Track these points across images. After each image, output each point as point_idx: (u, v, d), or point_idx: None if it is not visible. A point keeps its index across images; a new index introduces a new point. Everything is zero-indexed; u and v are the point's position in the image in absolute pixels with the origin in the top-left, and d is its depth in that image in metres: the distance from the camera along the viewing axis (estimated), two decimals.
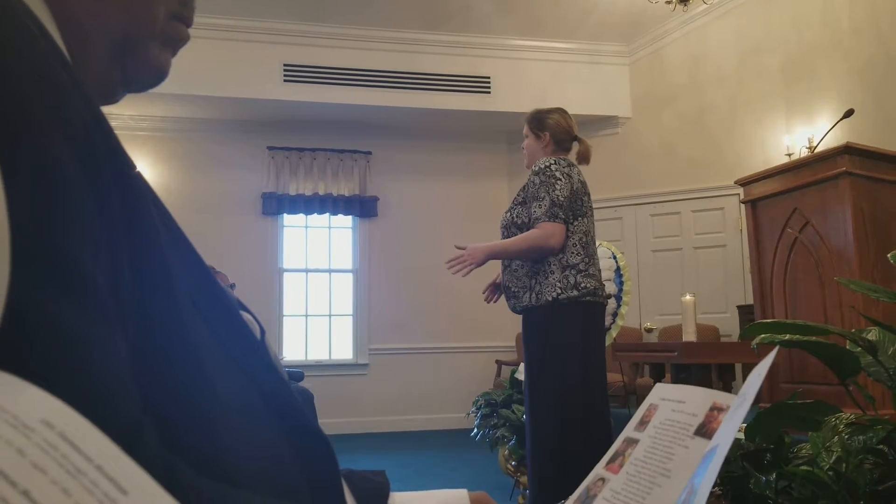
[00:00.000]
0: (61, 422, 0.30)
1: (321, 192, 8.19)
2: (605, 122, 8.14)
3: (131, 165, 0.50)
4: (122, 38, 0.59)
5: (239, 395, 0.52)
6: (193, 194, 7.82)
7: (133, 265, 0.46)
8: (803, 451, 2.11)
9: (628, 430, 0.88)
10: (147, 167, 7.75)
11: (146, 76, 0.64)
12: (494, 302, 3.38)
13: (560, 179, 3.04)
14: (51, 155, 0.40)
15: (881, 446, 1.66)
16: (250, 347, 0.55)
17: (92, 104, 0.47)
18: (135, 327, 0.45)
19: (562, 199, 3.01)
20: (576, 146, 3.32)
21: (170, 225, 0.54)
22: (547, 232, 3.00)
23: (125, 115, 7.60)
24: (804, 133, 6.62)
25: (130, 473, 0.31)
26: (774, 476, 2.03)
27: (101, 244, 0.43)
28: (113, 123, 0.48)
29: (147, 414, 0.42)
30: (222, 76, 7.21)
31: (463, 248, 3.17)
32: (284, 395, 0.56)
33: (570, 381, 2.98)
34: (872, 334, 1.73)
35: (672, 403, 0.85)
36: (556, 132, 3.25)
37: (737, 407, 0.73)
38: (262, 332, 0.68)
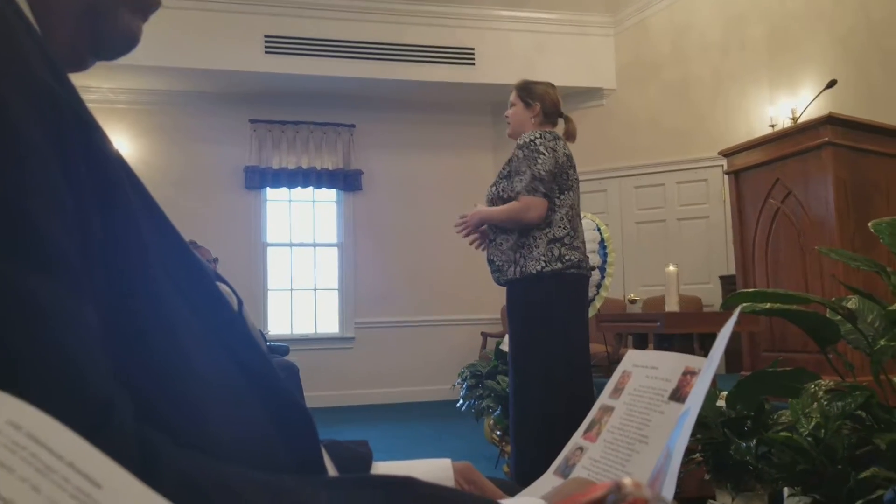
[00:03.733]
0: (28, 422, 0.30)
1: (304, 166, 8.14)
2: (589, 94, 8.12)
3: (102, 135, 0.49)
4: (89, 3, 0.58)
5: (216, 367, 0.51)
6: (174, 168, 7.75)
7: (105, 237, 0.45)
8: (783, 417, 2.14)
9: (603, 398, 0.88)
10: (127, 141, 7.67)
11: (116, 43, 0.62)
12: (482, 249, 3.35)
13: (543, 154, 3.04)
14: (9, 120, 0.39)
15: (859, 412, 1.68)
16: (228, 319, 0.54)
17: (58, 71, 0.46)
18: (107, 300, 0.44)
19: (543, 173, 3.01)
20: (562, 124, 3.32)
21: (143, 196, 0.53)
22: (525, 205, 3.01)
23: (104, 88, 7.49)
24: (787, 104, 6.62)
25: (104, 467, 0.31)
26: (755, 442, 2.06)
27: (69, 215, 0.42)
28: (91, 96, 0.47)
29: (122, 388, 0.41)
30: (202, 48, 7.11)
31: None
32: (263, 366, 0.55)
33: (554, 352, 3.00)
34: (852, 303, 1.75)
35: (645, 370, 0.85)
36: (546, 104, 3.25)
37: (705, 369, 0.73)
38: (240, 303, 0.68)
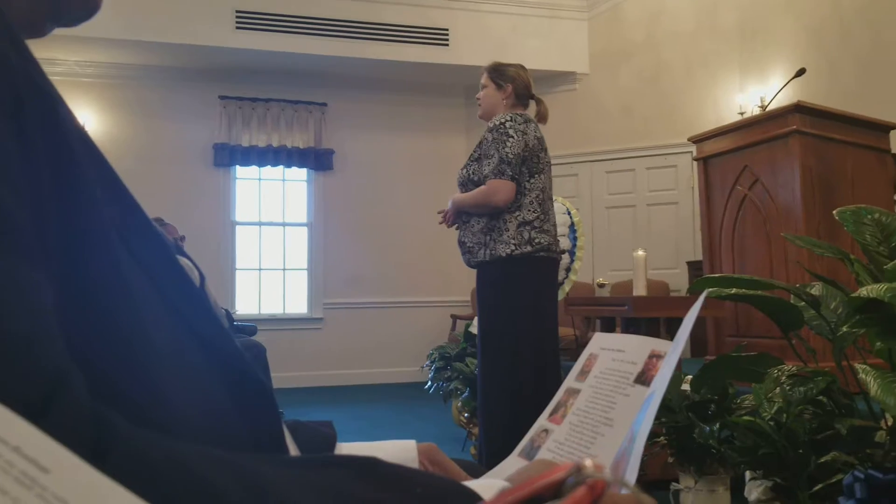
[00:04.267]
0: None
1: (275, 144, 8.06)
2: (562, 78, 8.12)
3: (62, 106, 0.48)
4: None
5: (175, 341, 0.50)
6: (142, 144, 7.64)
7: (60, 208, 0.44)
8: (746, 402, 2.17)
9: (569, 381, 0.88)
10: (93, 115, 7.54)
11: (77, 8, 0.60)
12: (453, 227, 3.34)
13: (512, 137, 3.03)
14: None
15: (821, 397, 1.71)
16: (188, 293, 0.53)
17: (14, 37, 0.44)
18: (62, 270, 0.43)
19: (511, 156, 3.01)
20: (534, 106, 3.32)
21: (103, 168, 0.52)
22: (493, 188, 3.02)
23: (70, 61, 7.34)
24: (757, 92, 6.69)
25: (52, 452, 0.30)
26: (718, 426, 2.09)
27: (20, 180, 0.40)
28: (57, 69, 0.46)
29: (76, 361, 0.40)
30: (171, 21, 6.98)
31: None
32: (223, 342, 0.54)
33: (522, 334, 3.02)
34: (816, 289, 1.77)
35: (611, 353, 0.86)
36: (518, 85, 3.25)
37: (671, 353, 0.74)
38: (202, 279, 0.67)
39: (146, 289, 0.50)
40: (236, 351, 0.55)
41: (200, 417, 0.49)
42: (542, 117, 3.30)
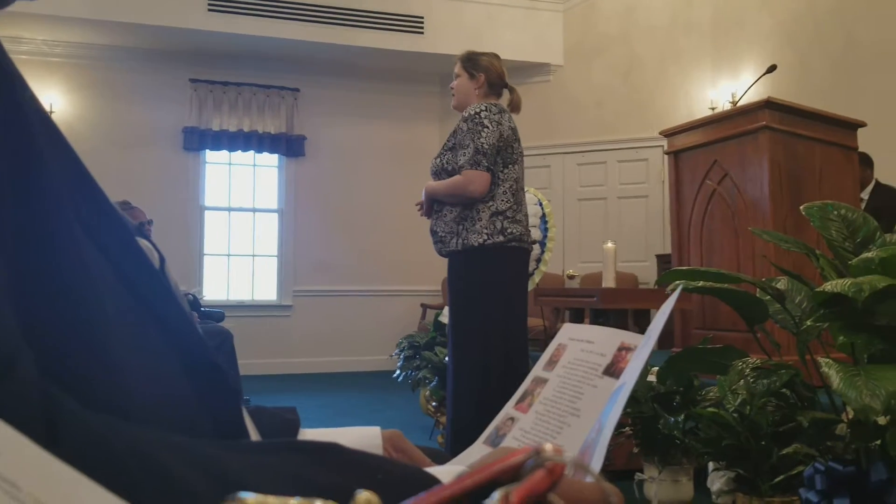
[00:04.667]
0: None
1: (246, 129, 7.98)
2: (537, 69, 8.12)
3: (20, 84, 0.46)
4: None
5: (133, 324, 0.49)
6: (111, 126, 7.52)
7: (17, 185, 0.43)
8: (711, 394, 2.19)
9: (537, 370, 0.88)
10: (61, 96, 7.40)
11: None
12: (428, 216, 3.34)
13: (487, 127, 3.03)
14: None
15: (784, 390, 1.73)
16: (146, 274, 0.52)
17: None
18: (17, 249, 0.42)
19: (486, 147, 3.01)
20: (507, 95, 3.32)
21: (61, 147, 0.51)
22: (467, 179, 3.01)
23: (38, 40, 7.19)
24: (728, 88, 6.75)
25: (2, 435, 0.29)
26: (683, 417, 2.11)
27: None
28: (24, 48, 0.44)
29: (31, 342, 0.39)
30: (143, 2, 6.86)
31: None
32: (182, 324, 0.53)
33: (492, 323, 3.03)
34: (782, 283, 1.79)
35: (581, 343, 0.86)
36: (491, 75, 3.24)
37: (642, 346, 0.74)
38: (162, 260, 0.65)
39: (104, 270, 0.49)
40: (196, 335, 0.54)
41: (159, 401, 0.48)
42: (515, 106, 3.30)
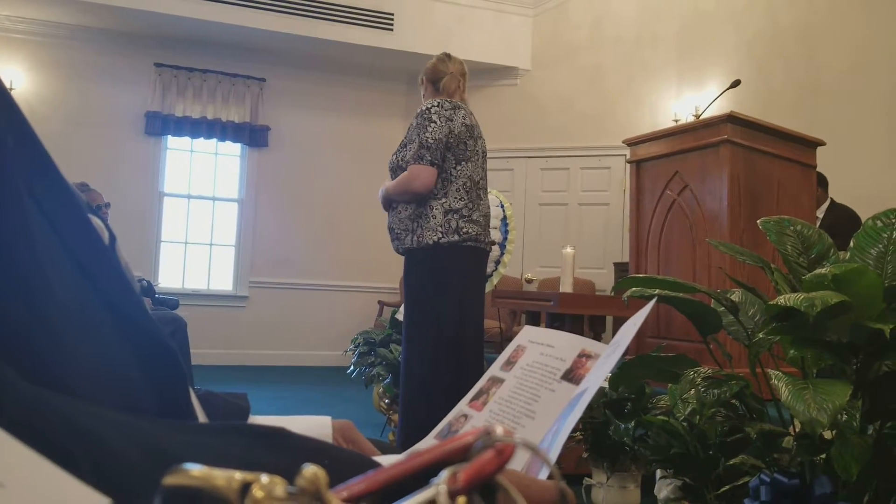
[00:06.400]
0: None
1: (209, 117, 7.87)
2: (504, 73, 8.15)
3: None
4: None
5: (80, 300, 0.48)
6: (72, 106, 7.37)
7: None
8: (662, 402, 2.22)
9: (494, 370, 0.88)
10: (23, 73, 7.23)
11: None
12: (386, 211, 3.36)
13: (435, 122, 3.03)
14: None
15: (734, 401, 1.75)
16: (96, 250, 0.51)
17: None
18: None
19: (431, 141, 3.00)
20: (470, 91, 3.33)
21: (14, 117, 0.49)
22: (412, 174, 3.02)
23: (1, 15, 7.01)
24: (692, 100, 6.84)
25: None
26: (633, 424, 2.13)
27: None
28: None
29: None
30: None
31: None
32: (130, 302, 0.52)
33: (447, 323, 3.02)
34: (736, 295, 1.81)
35: (540, 347, 0.85)
36: (427, 74, 3.28)
37: (609, 354, 0.74)
38: (113, 239, 0.63)
39: (51, 242, 0.47)
40: (144, 313, 0.53)
41: (103, 377, 0.47)
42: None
